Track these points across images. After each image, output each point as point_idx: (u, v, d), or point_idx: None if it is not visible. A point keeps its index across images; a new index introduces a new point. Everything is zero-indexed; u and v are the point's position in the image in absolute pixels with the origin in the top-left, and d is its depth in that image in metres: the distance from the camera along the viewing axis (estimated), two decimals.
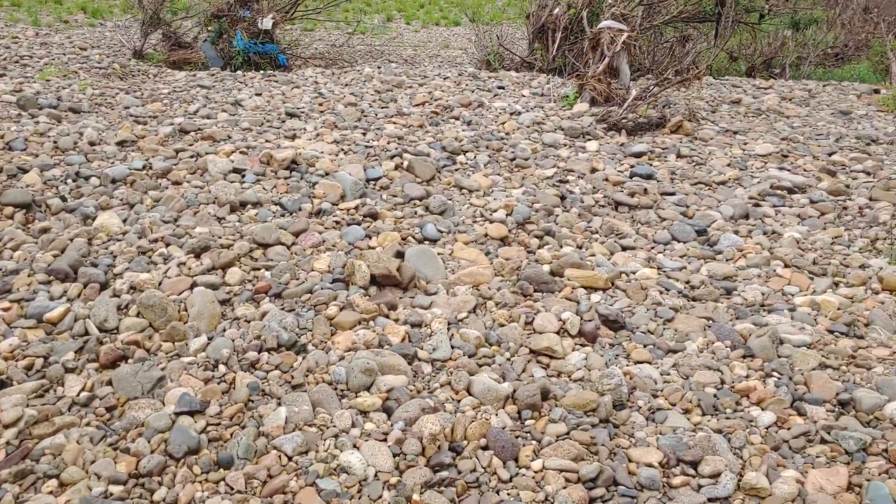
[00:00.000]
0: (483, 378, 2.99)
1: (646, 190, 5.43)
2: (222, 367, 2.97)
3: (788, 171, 6.40)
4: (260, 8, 12.43)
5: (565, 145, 6.29)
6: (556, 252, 4.33)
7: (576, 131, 6.58)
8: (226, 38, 12.07)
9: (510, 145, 6.05)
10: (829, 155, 7.01)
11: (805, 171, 6.51)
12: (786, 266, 4.41)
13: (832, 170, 6.46)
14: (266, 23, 11.94)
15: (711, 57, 9.02)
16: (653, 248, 4.66)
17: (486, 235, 4.43)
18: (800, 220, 5.33)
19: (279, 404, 2.78)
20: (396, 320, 3.41)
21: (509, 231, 4.49)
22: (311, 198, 4.59)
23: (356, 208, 4.49)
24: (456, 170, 5.43)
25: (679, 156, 6.46)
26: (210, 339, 3.14)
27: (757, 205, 5.55)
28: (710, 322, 3.70)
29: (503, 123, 6.59)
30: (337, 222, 4.30)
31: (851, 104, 9.84)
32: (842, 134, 7.81)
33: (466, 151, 5.80)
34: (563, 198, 5.12)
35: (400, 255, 3.92)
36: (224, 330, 3.21)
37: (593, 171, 5.73)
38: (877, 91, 11.04)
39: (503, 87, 8.25)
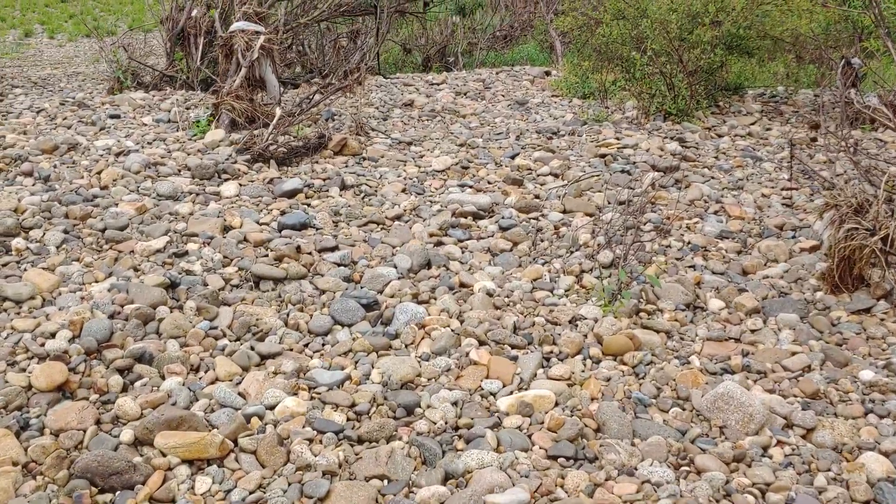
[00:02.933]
0: None
1: (299, 249, 4.04)
2: None
3: (471, 187, 5.40)
4: None
5: (191, 194, 4.70)
6: (150, 395, 2.78)
7: (207, 171, 5.01)
8: None
9: (104, 208, 4.33)
10: (512, 158, 6.18)
11: (489, 183, 5.57)
12: (481, 343, 3.26)
13: (518, 178, 5.59)
14: None
15: (371, 56, 7.91)
16: (307, 346, 3.28)
17: (28, 388, 2.74)
18: (491, 258, 4.29)
19: None
20: None
21: (72, 371, 2.84)
22: None
23: None
24: (3, 266, 3.61)
25: (344, 187, 5.17)
26: None
27: (439, 243, 4.43)
28: (386, 485, 2.39)
29: (99, 173, 4.81)
30: None
31: (526, 91, 9.34)
32: (521, 130, 7.08)
33: (30, 228, 3.98)
34: (173, 285, 3.55)
35: None
36: None
37: (227, 229, 4.22)
38: (548, 73, 10.78)
39: (118, 116, 6.40)
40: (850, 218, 3.75)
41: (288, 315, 3.46)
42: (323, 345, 3.29)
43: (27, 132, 5.72)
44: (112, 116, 6.37)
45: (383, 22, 7.86)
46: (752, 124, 7.93)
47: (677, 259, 4.33)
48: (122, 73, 8.85)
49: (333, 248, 4.12)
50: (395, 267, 4.00)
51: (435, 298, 3.70)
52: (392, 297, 3.68)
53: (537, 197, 5.33)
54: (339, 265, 3.96)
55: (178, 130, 5.95)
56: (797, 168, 6.27)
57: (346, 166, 5.68)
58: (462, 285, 3.90)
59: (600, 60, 9.47)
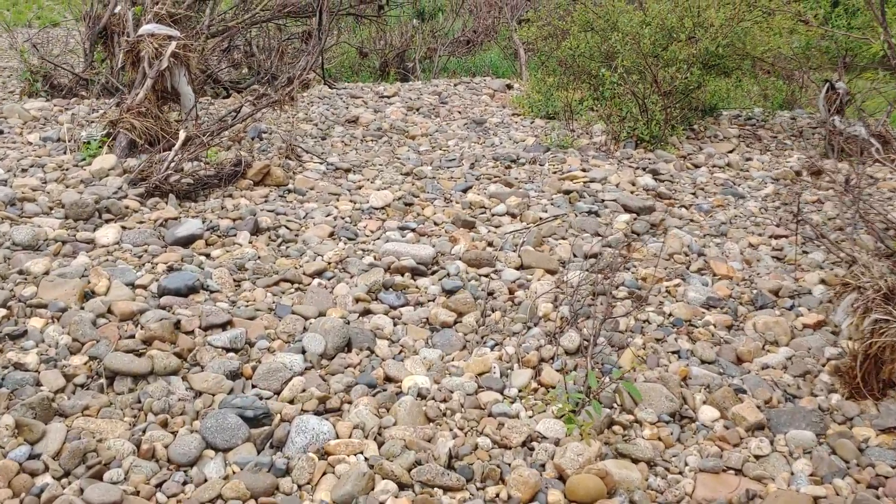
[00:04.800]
0: None
1: (178, 325, 3.13)
2: None
3: (413, 231, 4.55)
4: None
5: (56, 242, 3.74)
6: None
7: (85, 209, 4.05)
8: None
9: None
10: (464, 192, 5.34)
11: (435, 225, 4.72)
12: (401, 487, 2.39)
13: (469, 220, 4.74)
14: None
15: (308, 66, 6.99)
16: (161, 485, 2.38)
17: None
18: (429, 336, 3.43)
19: None
20: None
21: None
22: None
23: None
24: None
25: (257, 231, 4.26)
26: None
27: (366, 311, 3.56)
28: None
29: None
30: None
31: (485, 108, 8.50)
32: (477, 156, 6.24)
33: None
34: None
35: None
36: None
37: (87, 296, 3.29)
38: (510, 87, 9.97)
39: (0, 132, 5.39)
40: (878, 306, 2.96)
41: (144, 432, 2.55)
42: (184, 484, 2.39)
43: None
44: None
45: (324, 26, 6.93)
46: (731, 152, 7.22)
47: (657, 340, 3.51)
48: (31, 76, 7.79)
49: (224, 325, 3.21)
50: (304, 351, 3.12)
51: (350, 403, 2.83)
52: (291, 402, 2.79)
53: (490, 245, 4.49)
54: (228, 350, 3.06)
55: (65, 153, 4.97)
56: (785, 210, 5.54)
57: (266, 201, 4.77)
58: (388, 379, 3.03)
59: (566, 76, 8.67)
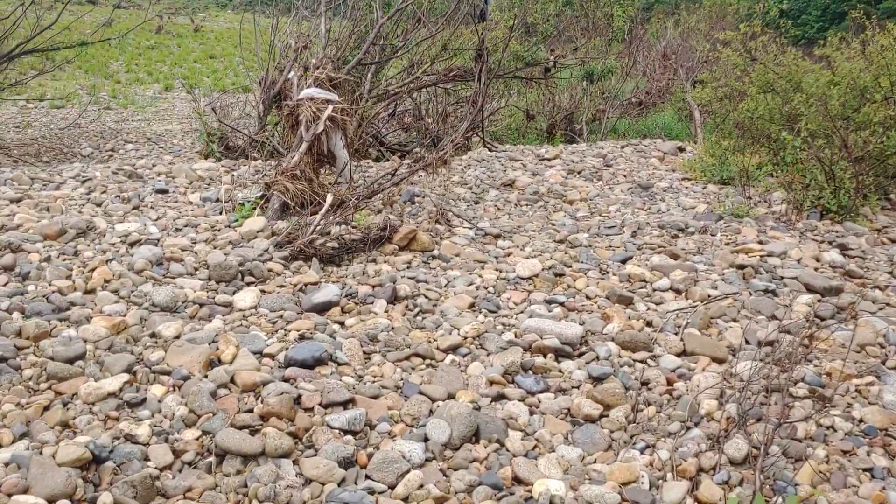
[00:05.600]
0: None
1: (298, 401, 2.94)
2: None
3: (562, 305, 4.17)
4: None
5: (194, 304, 3.71)
6: None
7: (228, 271, 4.03)
8: None
9: (74, 322, 3.39)
10: (623, 263, 4.91)
11: (588, 299, 4.32)
12: None
13: (627, 295, 4.31)
14: None
15: (466, 130, 6.87)
16: None
17: None
18: (570, 430, 3.03)
19: None
20: None
21: None
22: None
23: None
24: None
25: (395, 299, 4.07)
26: None
27: (500, 396, 3.22)
28: None
29: (92, 271, 3.92)
30: None
31: (653, 171, 8.00)
32: (640, 223, 5.78)
33: None
34: (97, 461, 2.51)
35: None
36: None
37: (212, 364, 3.18)
38: (681, 149, 9.40)
39: (165, 191, 5.60)
40: None
41: None
42: None
43: (51, 209, 4.98)
44: (159, 191, 5.58)
45: (482, 89, 6.82)
46: None
47: (844, 453, 2.91)
48: (208, 137, 8.24)
49: (346, 403, 2.98)
50: (426, 439, 2.82)
51: None
52: (405, 499, 2.49)
53: (649, 325, 4.03)
54: (346, 432, 2.82)
55: (221, 213, 5.05)
56: None
57: (408, 267, 4.58)
58: (516, 480, 2.67)
59: (743, 139, 8.04)
